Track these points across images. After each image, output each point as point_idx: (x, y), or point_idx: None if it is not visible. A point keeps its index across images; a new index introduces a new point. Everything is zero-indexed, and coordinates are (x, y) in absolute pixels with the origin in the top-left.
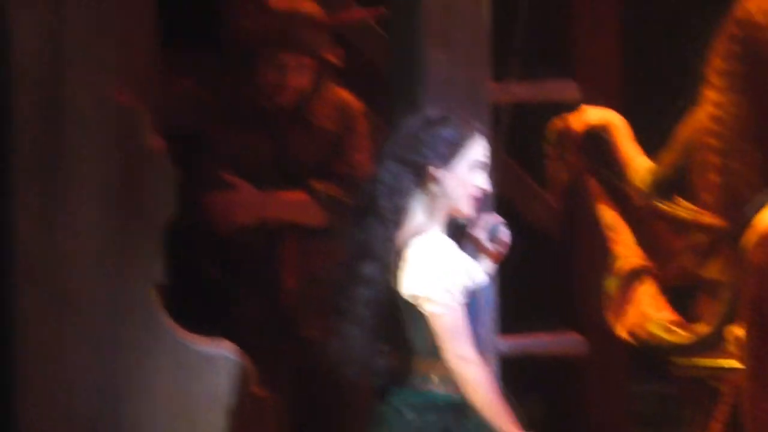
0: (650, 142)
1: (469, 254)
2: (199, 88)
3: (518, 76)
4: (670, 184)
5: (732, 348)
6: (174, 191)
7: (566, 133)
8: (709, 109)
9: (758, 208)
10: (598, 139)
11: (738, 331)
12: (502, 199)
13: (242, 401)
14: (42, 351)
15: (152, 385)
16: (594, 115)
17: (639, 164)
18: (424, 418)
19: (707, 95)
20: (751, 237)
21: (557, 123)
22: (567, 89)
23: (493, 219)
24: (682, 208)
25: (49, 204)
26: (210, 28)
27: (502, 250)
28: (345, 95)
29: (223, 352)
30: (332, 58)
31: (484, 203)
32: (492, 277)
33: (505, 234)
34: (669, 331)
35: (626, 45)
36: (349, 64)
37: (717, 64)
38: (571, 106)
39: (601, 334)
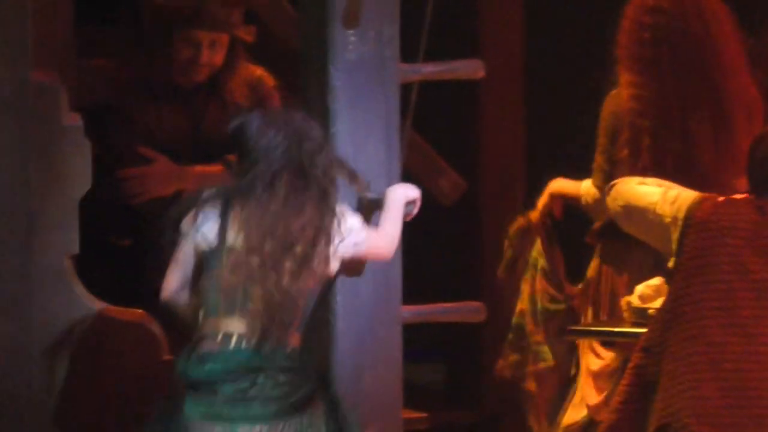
0: (553, 119)
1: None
2: (114, 64)
3: (426, 56)
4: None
5: (625, 315)
6: (89, 165)
7: (527, 229)
8: (629, 91)
9: None
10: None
11: (631, 298)
12: (410, 172)
13: (154, 369)
14: None
15: (65, 350)
16: (542, 201)
17: (582, 187)
18: None
19: (624, 77)
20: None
21: (519, 223)
22: (473, 68)
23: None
24: None
25: None
26: (125, 6)
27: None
28: (258, 71)
29: (136, 320)
30: (245, 36)
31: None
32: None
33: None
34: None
35: (530, 24)
36: (260, 42)
37: (630, 49)
38: (477, 84)
39: (498, 301)
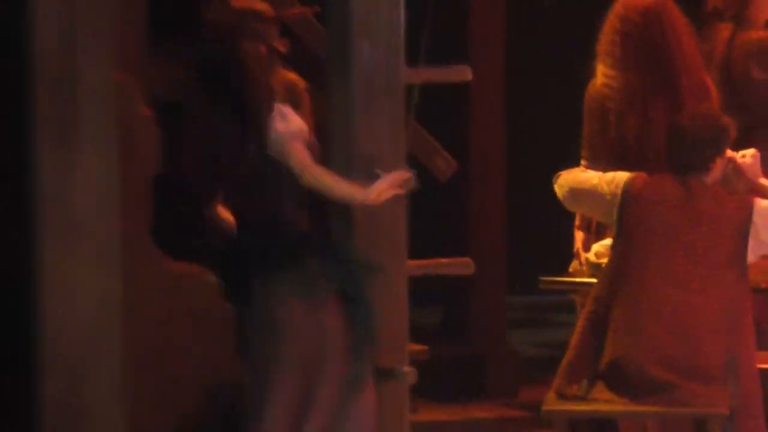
0: (531, 113)
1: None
2: (179, 68)
3: (425, 61)
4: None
5: (584, 269)
6: (158, 150)
7: None
8: (602, 80)
9: None
10: None
11: (589, 255)
12: (412, 154)
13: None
14: (58, 276)
15: (141, 301)
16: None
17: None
18: None
19: (600, 69)
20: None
21: None
22: (463, 72)
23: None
24: None
25: (66, 157)
26: (186, 21)
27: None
28: (291, 76)
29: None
30: (280, 46)
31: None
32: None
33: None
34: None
35: (513, 32)
36: (293, 51)
37: (605, 47)
38: (466, 85)
39: (485, 258)
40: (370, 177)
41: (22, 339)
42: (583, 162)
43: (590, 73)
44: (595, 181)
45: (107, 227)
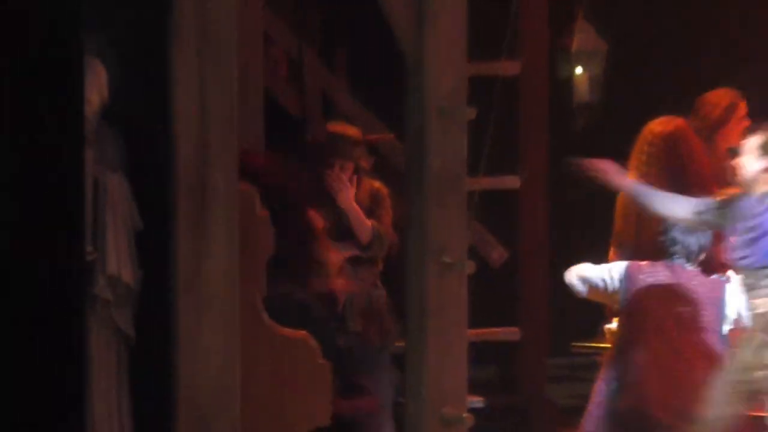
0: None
1: None
2: (291, 177)
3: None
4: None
5: (607, 336)
6: (273, 241)
7: None
8: (636, 175)
9: None
10: None
11: (609, 326)
12: (472, 246)
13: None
14: (191, 341)
15: (256, 361)
16: None
17: None
18: None
19: (634, 167)
20: None
21: None
22: (512, 67)
23: None
24: None
25: (200, 246)
26: (295, 141)
27: None
28: (376, 184)
29: (301, 337)
30: (363, 163)
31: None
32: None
33: None
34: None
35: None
36: (382, 165)
37: (635, 163)
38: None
39: (530, 326)
40: (439, 264)
41: (164, 394)
42: (612, 248)
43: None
44: (598, 271)
45: (231, 301)
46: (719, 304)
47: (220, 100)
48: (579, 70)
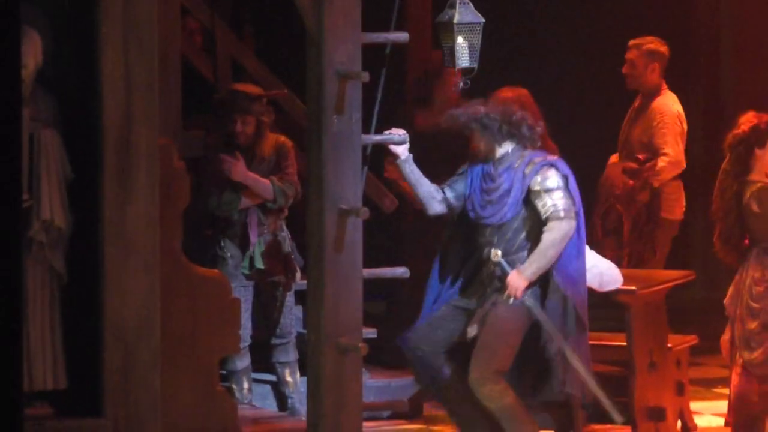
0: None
1: None
2: (202, 133)
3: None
4: None
5: None
6: (189, 190)
7: None
8: None
9: None
10: None
11: None
12: (366, 195)
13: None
14: (115, 279)
15: (174, 296)
16: None
17: None
18: None
19: None
20: None
21: None
22: (400, 37)
23: None
24: None
25: (123, 195)
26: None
27: None
28: (281, 138)
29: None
30: (266, 119)
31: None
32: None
33: None
34: None
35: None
36: (279, 119)
37: None
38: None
39: (415, 266)
40: (336, 210)
41: (93, 327)
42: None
43: None
44: None
45: (152, 244)
46: None
47: (143, 65)
48: (460, 39)
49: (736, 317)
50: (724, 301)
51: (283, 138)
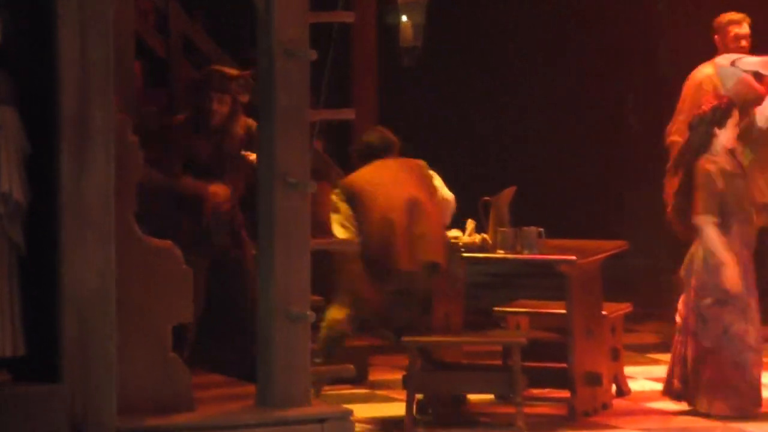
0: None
1: None
2: (166, 109)
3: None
4: None
5: None
6: (141, 165)
7: None
8: None
9: None
10: None
11: None
12: (314, 169)
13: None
14: (73, 250)
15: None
16: None
17: None
18: None
19: None
20: None
21: None
22: (346, 16)
23: None
24: None
25: (81, 168)
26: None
27: None
28: (250, 121)
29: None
30: (243, 98)
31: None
32: None
33: None
34: None
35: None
36: (253, 101)
37: None
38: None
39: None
40: (285, 184)
41: (50, 297)
42: None
43: None
44: None
45: (107, 216)
46: None
47: (98, 45)
48: (404, 18)
49: (691, 288)
50: (680, 271)
51: (251, 121)
